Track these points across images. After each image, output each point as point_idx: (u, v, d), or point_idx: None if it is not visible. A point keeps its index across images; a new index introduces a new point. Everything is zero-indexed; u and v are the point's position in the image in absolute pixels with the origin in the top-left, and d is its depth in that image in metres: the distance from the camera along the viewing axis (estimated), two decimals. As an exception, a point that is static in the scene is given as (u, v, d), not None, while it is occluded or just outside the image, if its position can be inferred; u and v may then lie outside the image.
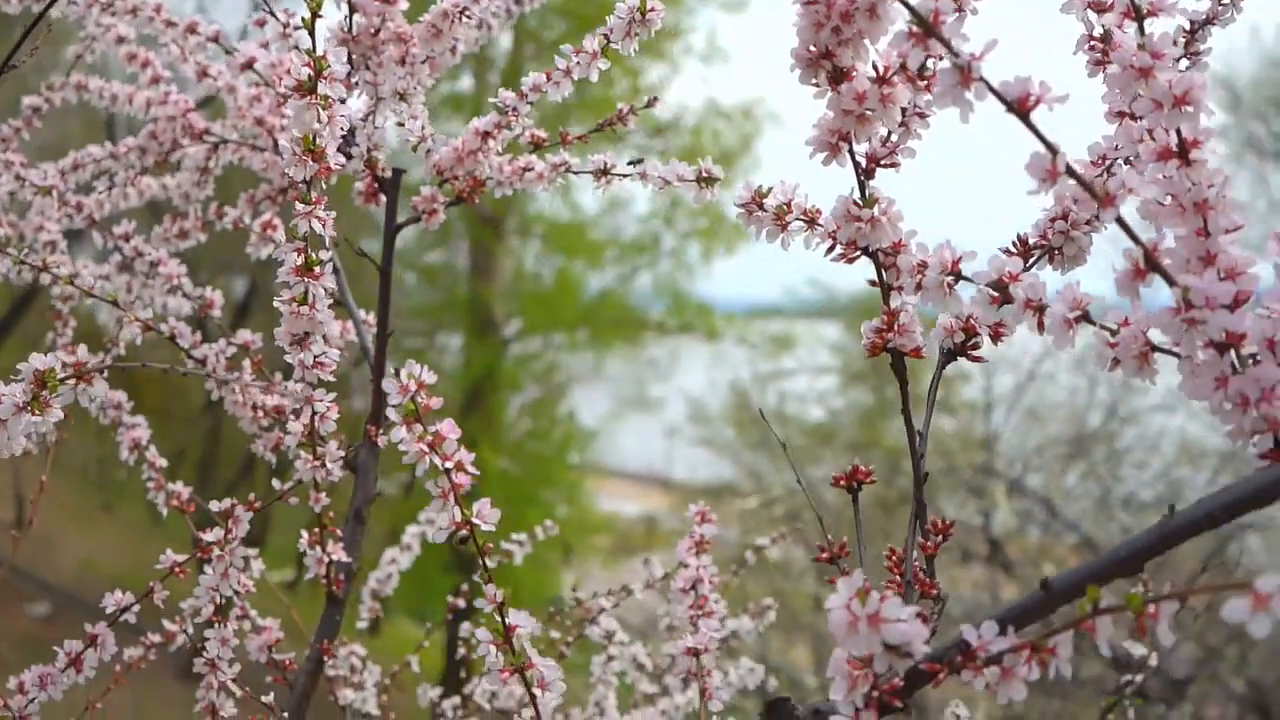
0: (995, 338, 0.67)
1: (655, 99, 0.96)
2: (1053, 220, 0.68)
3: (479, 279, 11.01)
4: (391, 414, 0.61)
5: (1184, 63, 0.71)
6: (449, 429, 0.62)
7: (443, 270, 11.59)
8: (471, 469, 0.62)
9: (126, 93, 1.23)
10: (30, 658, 0.94)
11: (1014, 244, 0.69)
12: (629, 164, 0.91)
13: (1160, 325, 0.51)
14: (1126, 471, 6.17)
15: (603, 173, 0.93)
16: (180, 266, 1.11)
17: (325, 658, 0.97)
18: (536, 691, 0.64)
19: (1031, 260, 0.68)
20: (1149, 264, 0.50)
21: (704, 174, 0.83)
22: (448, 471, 0.62)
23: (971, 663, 0.51)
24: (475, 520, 0.62)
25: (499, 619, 0.64)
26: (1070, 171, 0.49)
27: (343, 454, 0.91)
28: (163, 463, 1.08)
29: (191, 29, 1.09)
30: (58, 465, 1.14)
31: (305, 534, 0.95)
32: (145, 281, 1.12)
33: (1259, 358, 0.51)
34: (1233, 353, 0.52)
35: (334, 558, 0.95)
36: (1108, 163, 0.70)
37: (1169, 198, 0.55)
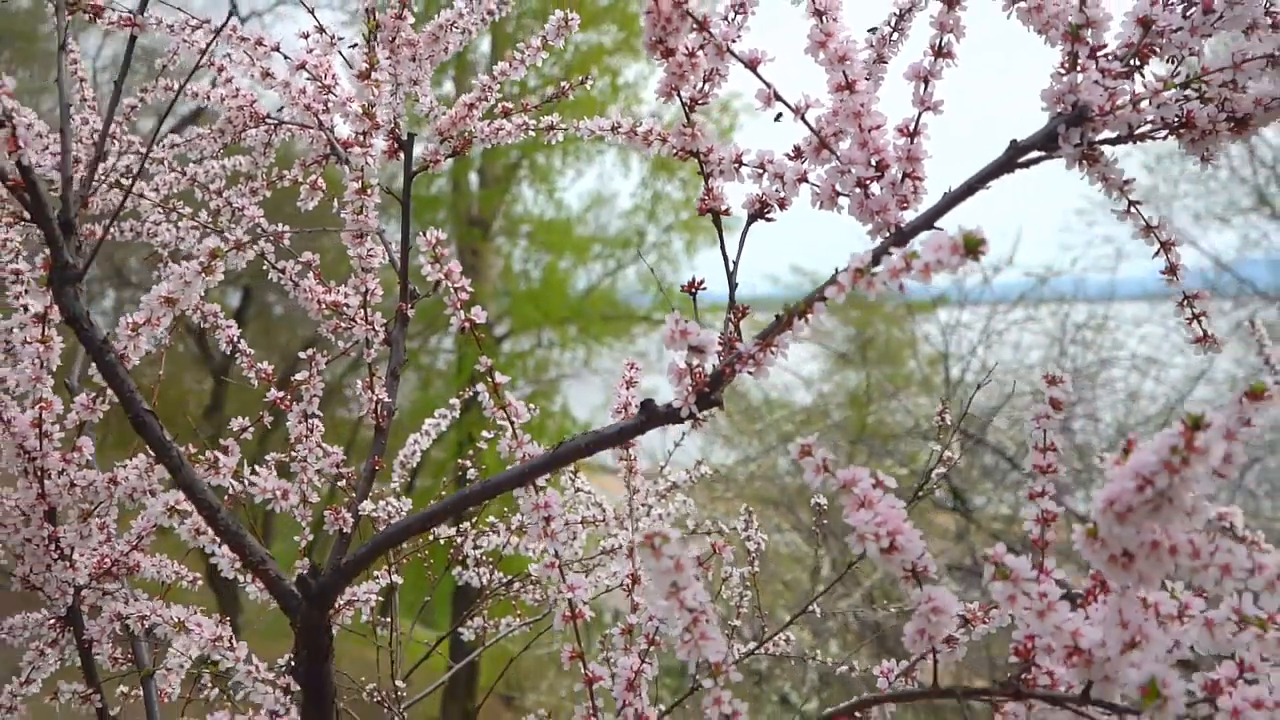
0: (781, 206, 1.12)
1: (588, 77, 1.42)
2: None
3: (468, 279, 11.44)
4: (422, 257, 1.06)
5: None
6: (456, 265, 1.07)
7: (433, 272, 12.02)
8: (469, 288, 1.07)
9: (204, 90, 1.68)
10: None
11: (793, 149, 1.14)
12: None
13: (833, 178, 0.96)
14: (1079, 424, 6.64)
15: (551, 128, 1.39)
16: (259, 210, 1.57)
17: (375, 469, 1.42)
18: (513, 418, 1.09)
19: (805, 160, 1.13)
20: (821, 144, 0.96)
21: (616, 125, 1.28)
22: (458, 290, 1.07)
23: (750, 359, 0.96)
24: (474, 318, 1.07)
25: (490, 379, 1.10)
26: (777, 96, 0.95)
27: (385, 322, 1.36)
28: (251, 352, 1.52)
29: (259, 42, 1.54)
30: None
31: (360, 381, 1.40)
32: (229, 222, 1.58)
33: (883, 190, 0.96)
34: (876, 187, 0.98)
35: (379, 399, 1.40)
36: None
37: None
